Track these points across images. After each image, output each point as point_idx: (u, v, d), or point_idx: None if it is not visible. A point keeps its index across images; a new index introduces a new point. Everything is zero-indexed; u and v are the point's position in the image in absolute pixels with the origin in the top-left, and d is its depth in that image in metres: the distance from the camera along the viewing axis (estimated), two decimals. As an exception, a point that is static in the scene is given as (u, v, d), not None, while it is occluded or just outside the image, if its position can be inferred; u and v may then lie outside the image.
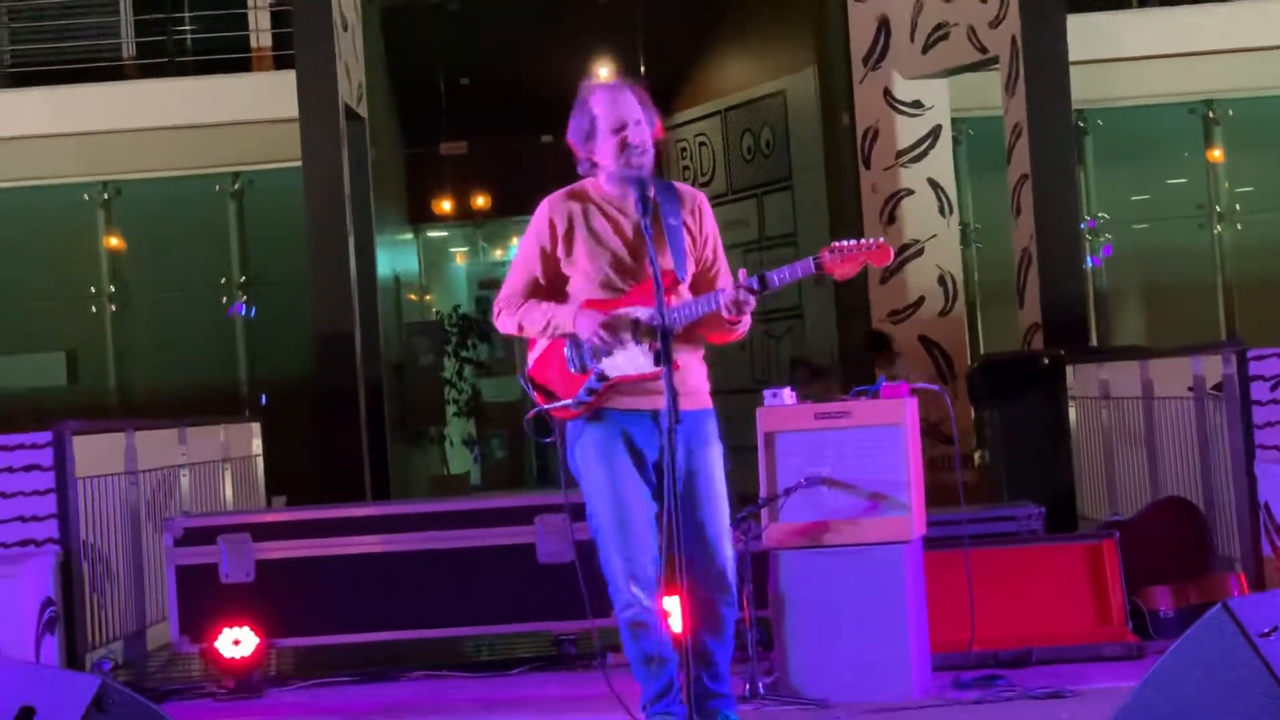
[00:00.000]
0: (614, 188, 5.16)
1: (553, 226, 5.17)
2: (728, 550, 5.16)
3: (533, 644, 7.40)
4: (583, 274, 5.15)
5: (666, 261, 5.10)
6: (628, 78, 5.29)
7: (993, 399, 10.27)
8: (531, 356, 5.27)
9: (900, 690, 5.74)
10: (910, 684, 5.73)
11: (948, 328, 12.94)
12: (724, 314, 5.07)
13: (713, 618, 5.14)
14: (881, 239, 5.11)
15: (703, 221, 5.24)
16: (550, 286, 5.21)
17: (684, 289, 5.17)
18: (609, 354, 5.10)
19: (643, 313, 5.05)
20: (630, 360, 5.08)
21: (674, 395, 4.82)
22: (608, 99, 5.12)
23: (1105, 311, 14.16)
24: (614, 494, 5.11)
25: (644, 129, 5.11)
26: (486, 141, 16.41)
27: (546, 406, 5.19)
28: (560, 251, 5.17)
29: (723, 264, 5.30)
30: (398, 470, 13.18)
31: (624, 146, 5.08)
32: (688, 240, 5.17)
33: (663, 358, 4.88)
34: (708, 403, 5.26)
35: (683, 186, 5.30)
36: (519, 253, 5.29)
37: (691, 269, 5.19)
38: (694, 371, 5.21)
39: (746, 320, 5.16)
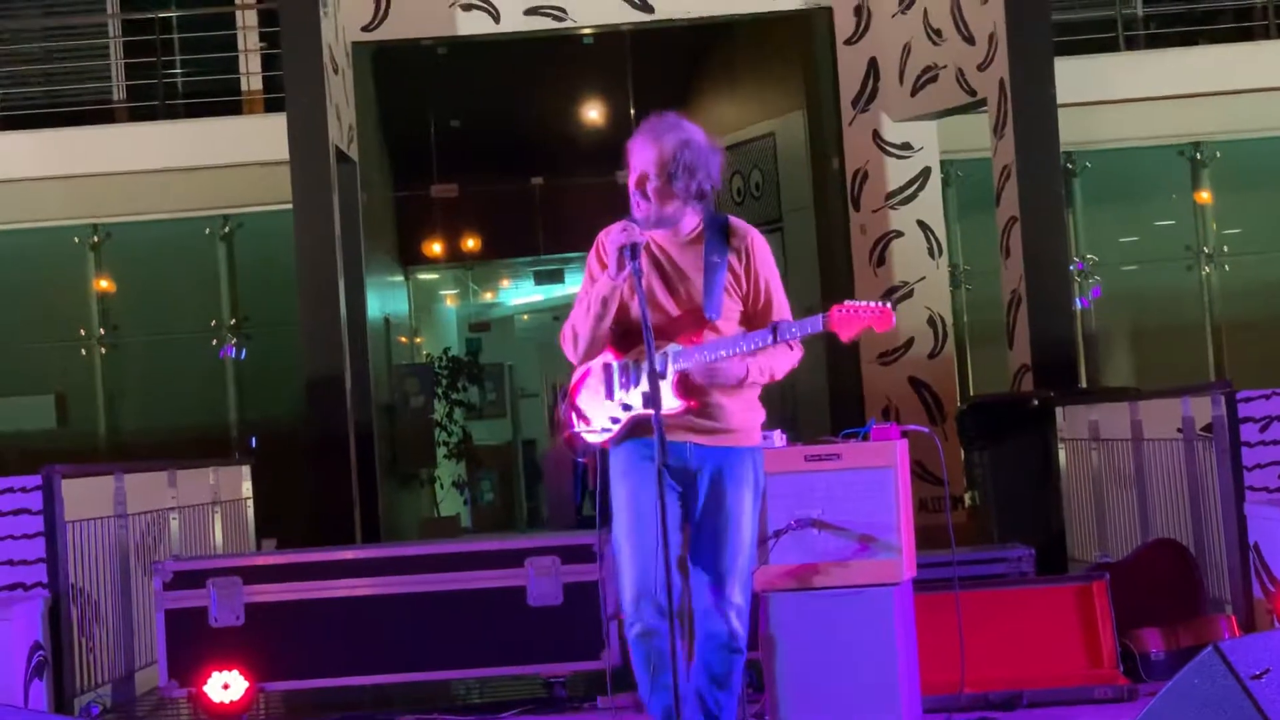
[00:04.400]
0: (646, 226, 5.18)
1: (603, 256, 5.17)
2: (737, 596, 5.11)
3: (523, 687, 7.38)
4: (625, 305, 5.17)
5: (697, 299, 5.11)
6: (665, 114, 5.25)
7: (982, 440, 10.27)
8: (574, 378, 5.30)
9: (891, 733, 5.72)
10: (901, 727, 5.71)
11: (937, 369, 12.93)
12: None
13: (715, 662, 5.11)
14: (887, 304, 5.10)
15: (750, 258, 5.19)
16: None
17: (714, 328, 5.13)
18: (638, 384, 5.08)
19: (672, 349, 5.07)
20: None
21: (663, 437, 4.83)
22: (637, 148, 5.15)
23: (1094, 353, 14.16)
24: (634, 511, 5.08)
25: (651, 181, 5.10)
26: (477, 184, 16.42)
27: (579, 429, 5.20)
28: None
29: (777, 301, 5.23)
30: (388, 513, 13.14)
31: (634, 196, 5.13)
32: (729, 278, 5.16)
33: (652, 400, 4.87)
34: (746, 441, 5.21)
35: (736, 222, 5.25)
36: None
37: (736, 307, 5.17)
38: (734, 411, 5.17)
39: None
